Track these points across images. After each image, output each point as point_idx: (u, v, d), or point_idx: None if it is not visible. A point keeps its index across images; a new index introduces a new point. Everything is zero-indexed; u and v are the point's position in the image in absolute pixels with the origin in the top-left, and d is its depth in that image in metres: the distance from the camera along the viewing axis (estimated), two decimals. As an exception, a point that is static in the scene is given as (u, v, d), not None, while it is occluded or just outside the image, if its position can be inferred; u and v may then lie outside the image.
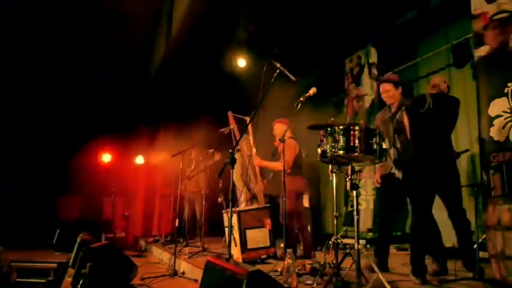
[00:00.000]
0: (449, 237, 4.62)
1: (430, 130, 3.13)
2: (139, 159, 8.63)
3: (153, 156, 8.78)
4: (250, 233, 3.92)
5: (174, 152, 5.06)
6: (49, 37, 7.58)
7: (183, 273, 4.08)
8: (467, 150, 3.46)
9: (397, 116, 3.30)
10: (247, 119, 4.41)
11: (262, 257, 3.99)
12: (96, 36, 7.77)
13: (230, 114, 4.43)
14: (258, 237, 3.97)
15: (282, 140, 3.54)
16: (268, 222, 4.02)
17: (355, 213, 2.47)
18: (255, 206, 4.39)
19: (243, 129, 4.35)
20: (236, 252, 3.95)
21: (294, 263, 2.78)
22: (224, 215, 4.41)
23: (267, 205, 4.16)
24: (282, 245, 3.69)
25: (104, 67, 8.42)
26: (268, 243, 4.01)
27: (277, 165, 4.23)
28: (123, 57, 8.54)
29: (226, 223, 4.33)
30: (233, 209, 4.35)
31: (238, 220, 3.92)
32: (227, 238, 4.28)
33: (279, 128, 4.36)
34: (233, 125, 4.44)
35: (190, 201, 6.73)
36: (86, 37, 7.82)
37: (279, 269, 3.17)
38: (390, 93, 3.39)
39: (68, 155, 8.14)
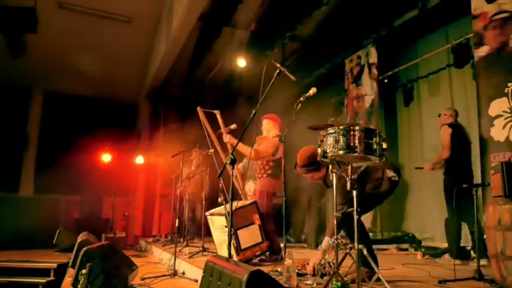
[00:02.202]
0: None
1: (466, 152, 4.23)
2: (139, 159, 8.63)
3: (153, 156, 8.79)
4: (241, 233, 3.83)
5: (174, 152, 5.06)
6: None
7: (183, 273, 4.08)
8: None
9: None
10: (217, 112, 4.36)
11: (257, 254, 3.95)
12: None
13: (199, 109, 4.38)
14: (250, 235, 3.89)
15: (283, 141, 3.52)
16: (256, 217, 3.95)
17: (355, 213, 2.46)
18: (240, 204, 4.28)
19: (240, 127, 4.27)
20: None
21: (294, 263, 2.78)
22: (209, 217, 4.33)
23: (252, 201, 4.09)
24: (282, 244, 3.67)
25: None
26: (260, 239, 3.93)
27: (248, 150, 3.97)
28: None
29: (212, 227, 4.28)
30: (214, 211, 4.35)
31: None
32: (215, 241, 4.28)
33: (269, 124, 4.34)
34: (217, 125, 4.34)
35: (190, 201, 6.74)
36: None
37: (279, 269, 3.17)
38: None
39: (68, 154, 8.15)
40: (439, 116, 4.51)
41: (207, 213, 4.42)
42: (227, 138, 4.12)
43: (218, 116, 4.34)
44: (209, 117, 4.42)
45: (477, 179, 4.66)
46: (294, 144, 4.31)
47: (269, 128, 4.36)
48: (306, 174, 3.15)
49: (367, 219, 6.25)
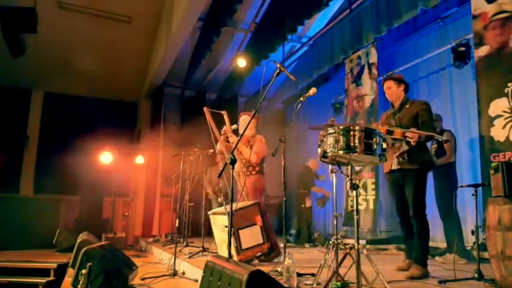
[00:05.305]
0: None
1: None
2: (139, 159, 8.62)
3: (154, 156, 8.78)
4: (243, 233, 3.84)
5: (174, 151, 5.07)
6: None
7: (183, 273, 4.08)
8: None
9: (399, 114, 3.48)
10: (224, 113, 4.39)
11: (258, 254, 3.95)
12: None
13: (206, 109, 4.39)
14: (251, 235, 3.90)
15: (283, 141, 3.51)
16: (258, 218, 3.95)
17: (355, 213, 2.46)
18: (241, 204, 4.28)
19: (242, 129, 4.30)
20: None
21: (294, 263, 2.78)
22: (211, 216, 4.35)
23: (255, 201, 4.11)
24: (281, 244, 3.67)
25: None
26: (261, 240, 3.93)
27: (247, 151, 4.22)
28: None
29: (213, 226, 4.30)
30: (217, 210, 4.37)
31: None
32: (216, 240, 4.29)
33: (246, 121, 4.28)
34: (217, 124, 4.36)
35: (190, 201, 6.73)
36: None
37: (279, 269, 3.16)
38: (392, 90, 3.54)
39: (68, 154, 8.14)
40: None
41: (209, 212, 4.44)
42: (233, 138, 4.24)
43: (225, 117, 4.40)
44: (213, 118, 4.44)
45: (477, 179, 4.67)
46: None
47: (250, 126, 4.30)
48: None
49: (366, 219, 6.26)
